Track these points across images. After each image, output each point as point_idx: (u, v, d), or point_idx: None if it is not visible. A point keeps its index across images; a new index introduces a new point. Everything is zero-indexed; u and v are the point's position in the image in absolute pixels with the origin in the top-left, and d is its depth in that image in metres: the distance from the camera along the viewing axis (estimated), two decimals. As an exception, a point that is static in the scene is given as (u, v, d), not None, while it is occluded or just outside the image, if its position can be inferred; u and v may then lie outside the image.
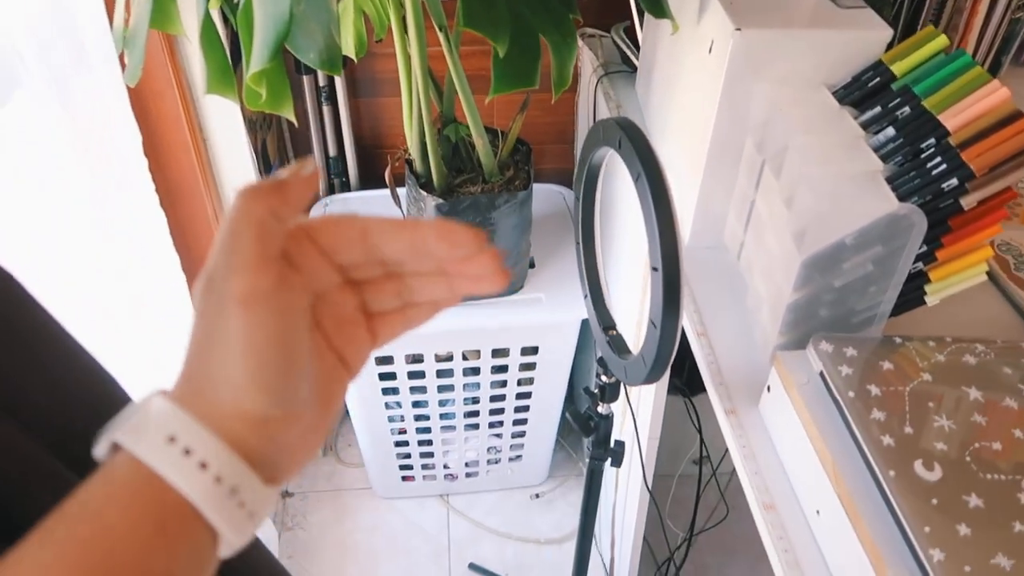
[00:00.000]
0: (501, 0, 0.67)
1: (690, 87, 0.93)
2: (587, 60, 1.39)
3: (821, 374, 0.66)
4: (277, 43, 0.66)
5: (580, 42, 1.41)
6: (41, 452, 0.38)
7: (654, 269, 0.66)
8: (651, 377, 0.72)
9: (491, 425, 1.54)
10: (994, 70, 1.28)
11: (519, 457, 1.64)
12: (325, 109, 1.44)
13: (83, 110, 0.87)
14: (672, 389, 1.38)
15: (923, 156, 0.66)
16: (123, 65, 0.87)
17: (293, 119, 0.82)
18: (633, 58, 1.27)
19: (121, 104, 0.90)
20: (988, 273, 0.89)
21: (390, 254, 0.35)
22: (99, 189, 0.93)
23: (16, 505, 0.35)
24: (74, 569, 0.26)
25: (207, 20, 0.74)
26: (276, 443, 0.31)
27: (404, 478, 1.66)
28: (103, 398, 0.46)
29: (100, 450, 0.30)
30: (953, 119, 0.66)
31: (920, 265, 0.69)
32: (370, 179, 1.57)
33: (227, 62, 0.80)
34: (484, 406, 1.48)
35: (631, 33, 1.31)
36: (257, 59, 0.67)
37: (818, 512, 0.63)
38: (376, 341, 0.37)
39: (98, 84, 0.86)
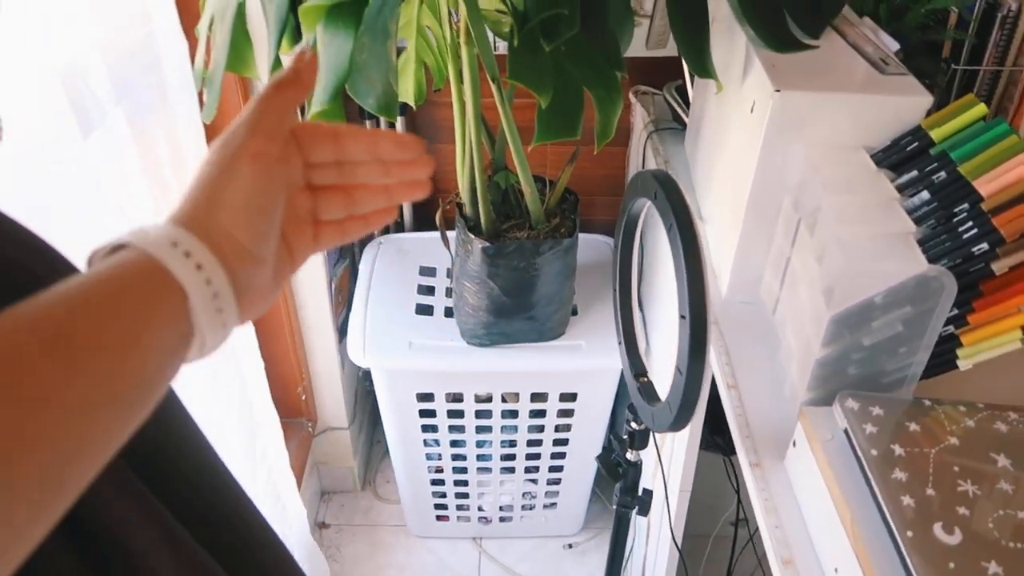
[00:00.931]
0: (547, 56, 0.71)
1: (733, 145, 0.95)
2: (639, 116, 1.42)
3: (845, 431, 0.66)
4: (336, 87, 0.71)
5: (633, 99, 1.45)
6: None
7: (682, 317, 0.67)
8: (676, 424, 0.73)
9: (527, 470, 1.55)
10: (1052, 141, 1.27)
11: (554, 505, 1.64)
12: (385, 153, 1.50)
13: (161, 144, 0.94)
14: (712, 446, 1.37)
15: (955, 220, 0.67)
16: (201, 103, 0.94)
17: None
18: (683, 115, 1.30)
19: (197, 139, 0.97)
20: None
21: (352, 155, 0.44)
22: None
23: None
24: (63, 312, 0.30)
25: (277, 63, 0.80)
26: (246, 277, 0.38)
27: (439, 517, 1.67)
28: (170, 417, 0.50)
29: (98, 255, 0.35)
30: (987, 185, 0.66)
31: (951, 328, 0.69)
32: (424, 221, 1.62)
33: (293, 104, 0.86)
34: (521, 450, 1.49)
35: (683, 92, 1.34)
36: (318, 101, 0.72)
37: (836, 570, 0.62)
38: (317, 245, 0.45)
39: (175, 120, 0.93)
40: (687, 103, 1.29)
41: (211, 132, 1.17)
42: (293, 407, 1.64)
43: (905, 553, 0.55)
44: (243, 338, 1.16)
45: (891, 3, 1.15)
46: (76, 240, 0.76)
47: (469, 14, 0.85)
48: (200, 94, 0.93)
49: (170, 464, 0.49)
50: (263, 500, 1.27)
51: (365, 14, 0.78)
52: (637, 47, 1.41)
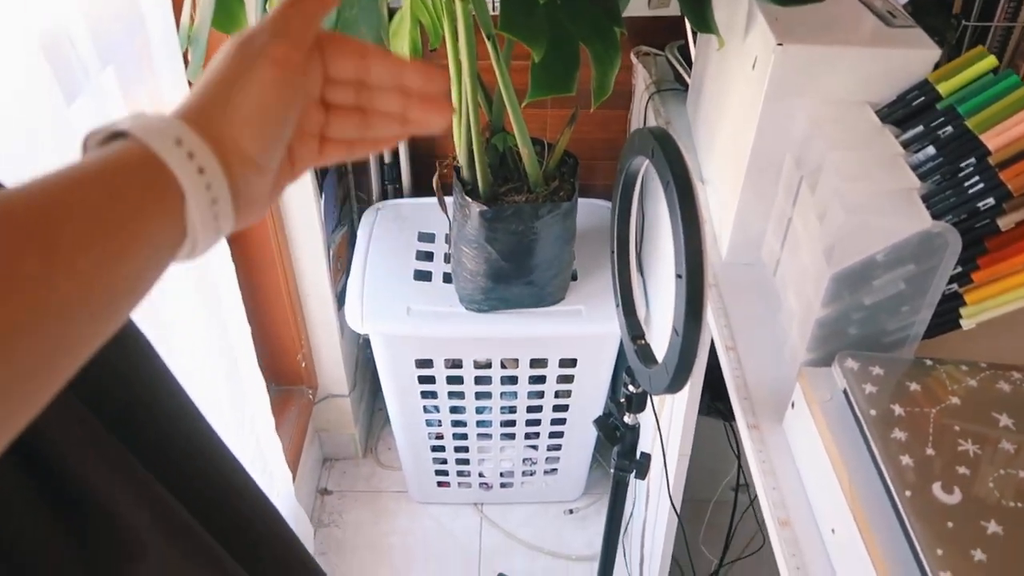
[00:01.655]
0: (541, 8, 0.69)
1: (734, 104, 0.93)
2: (640, 78, 1.40)
3: (844, 391, 0.65)
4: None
5: (634, 59, 1.42)
6: (72, 399, 0.41)
7: (678, 276, 0.66)
8: (673, 386, 0.72)
9: (527, 436, 1.55)
10: (1063, 100, 1.24)
11: (555, 471, 1.64)
12: (382, 117, 1.48)
13: (147, 107, 0.92)
14: (713, 412, 1.36)
15: (961, 175, 0.65)
16: (187, 63, 0.92)
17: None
18: (685, 76, 1.27)
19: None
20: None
21: (376, 77, 0.42)
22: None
23: (45, 448, 0.38)
24: (54, 199, 0.29)
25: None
26: (247, 185, 0.37)
27: (440, 484, 1.68)
28: (129, 350, 0.49)
29: (93, 138, 0.34)
30: (995, 139, 0.64)
31: (955, 287, 0.67)
32: (422, 186, 1.60)
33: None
34: (521, 416, 1.48)
35: (685, 52, 1.31)
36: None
37: (833, 531, 0.62)
38: (321, 159, 0.43)
39: (161, 82, 0.91)
40: (689, 64, 1.26)
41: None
42: (293, 375, 1.64)
43: (903, 513, 0.55)
44: (230, 304, 1.15)
45: (900, -44, 1.11)
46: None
47: (462, -33, 0.82)
48: (185, 54, 0.90)
49: (161, 436, 0.48)
50: (251, 466, 1.27)
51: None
52: (639, 6, 1.38)
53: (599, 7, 0.83)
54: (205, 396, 1.11)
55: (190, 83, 0.95)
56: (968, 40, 1.18)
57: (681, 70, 1.29)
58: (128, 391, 0.47)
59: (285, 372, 1.63)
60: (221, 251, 1.20)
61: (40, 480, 0.38)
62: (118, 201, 0.31)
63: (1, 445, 0.27)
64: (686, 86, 1.27)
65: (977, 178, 0.63)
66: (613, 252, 0.89)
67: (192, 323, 1.06)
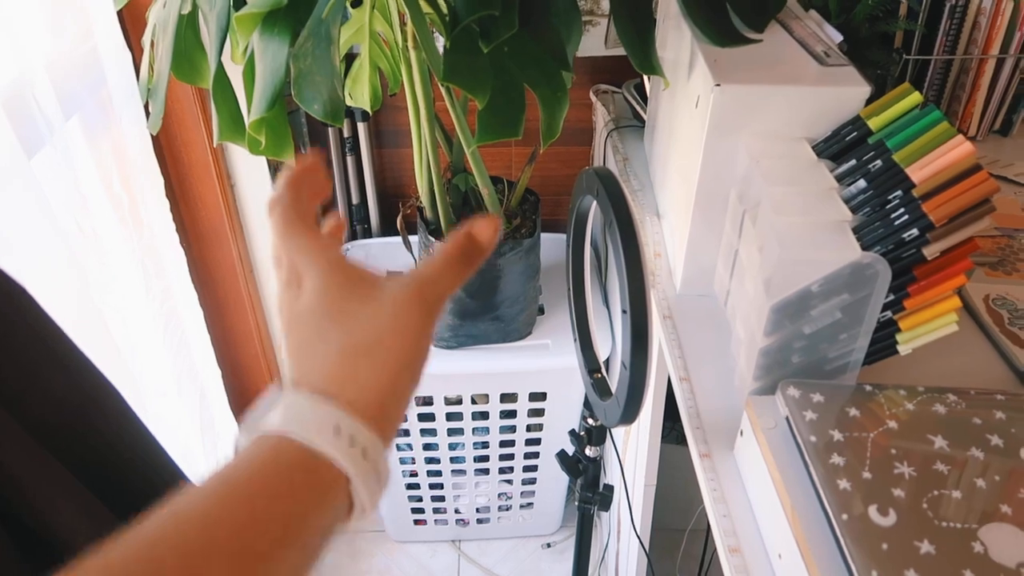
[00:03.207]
0: (485, 57, 0.72)
1: (682, 140, 0.96)
2: (600, 115, 1.43)
3: (787, 419, 0.67)
4: (275, 94, 0.72)
5: (593, 98, 1.46)
6: (39, 448, 0.42)
7: (624, 312, 0.68)
8: (625, 418, 0.74)
9: (501, 471, 1.55)
10: (1005, 129, 1.28)
11: (530, 504, 1.64)
12: (349, 159, 1.51)
13: (109, 158, 0.94)
14: (682, 439, 1.38)
15: (889, 207, 0.67)
16: (148, 113, 0.94)
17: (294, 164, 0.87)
18: (642, 113, 1.31)
19: (145, 152, 0.97)
20: (983, 327, 0.88)
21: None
22: (127, 230, 0.99)
23: (16, 500, 0.39)
24: (228, 516, 0.29)
25: (219, 71, 0.80)
26: (391, 423, 0.37)
27: (416, 521, 1.67)
28: (100, 400, 0.50)
29: (242, 439, 0.34)
30: (919, 172, 0.67)
31: (889, 314, 0.69)
32: (391, 226, 1.62)
33: (239, 111, 0.86)
34: (494, 451, 1.49)
35: (641, 89, 1.35)
36: (256, 108, 0.72)
37: (780, 556, 0.63)
38: None
39: (123, 133, 0.93)
40: (645, 100, 1.30)
41: (167, 144, 1.17)
42: (267, 416, 1.63)
43: (840, 536, 0.56)
44: (200, 349, 1.16)
45: (840, -5, 1.16)
46: (32, 264, 0.76)
47: (412, 18, 0.85)
48: (146, 105, 0.93)
49: (130, 482, 0.49)
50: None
51: (309, 20, 0.78)
52: (597, 46, 1.43)
53: (546, 51, 0.86)
54: (178, 441, 1.11)
55: (153, 137, 0.97)
56: (910, 72, 1.23)
57: (638, 107, 1.33)
58: (112, 454, 0.48)
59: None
60: (190, 298, 1.21)
61: (25, 552, 0.39)
62: (290, 503, 0.31)
63: None
64: (643, 122, 1.31)
65: (903, 210, 0.66)
66: (569, 288, 0.91)
67: (162, 369, 1.07)
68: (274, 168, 1.34)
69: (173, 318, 1.13)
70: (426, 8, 0.89)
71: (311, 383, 0.35)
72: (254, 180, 1.32)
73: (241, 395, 1.57)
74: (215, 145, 1.04)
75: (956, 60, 1.22)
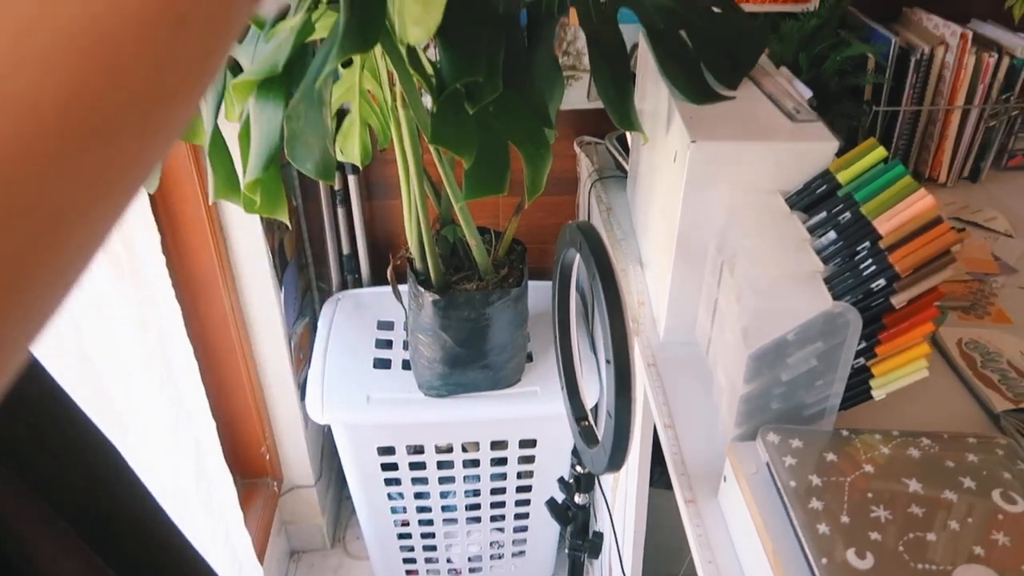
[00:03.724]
0: (469, 117, 0.75)
1: (663, 192, 0.99)
2: (584, 166, 1.47)
3: (767, 464, 0.69)
4: (270, 157, 0.75)
5: (577, 149, 1.50)
6: (46, 508, 0.43)
7: (608, 362, 0.70)
8: (611, 466, 0.75)
9: (493, 519, 1.55)
10: (974, 176, 1.33)
11: (523, 552, 1.64)
12: (340, 211, 1.54)
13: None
14: (671, 484, 1.38)
15: (858, 258, 0.70)
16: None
17: (287, 222, 0.90)
18: (624, 163, 1.35)
19: (143, 209, 1.00)
20: (956, 370, 0.91)
21: None
22: (124, 285, 1.01)
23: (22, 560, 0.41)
24: None
25: (216, 134, 0.84)
26: None
27: (408, 572, 1.66)
28: (106, 466, 0.51)
29: None
30: (885, 224, 0.70)
31: (862, 360, 0.72)
32: (381, 276, 1.65)
33: (234, 171, 0.89)
34: (485, 499, 1.49)
35: (623, 141, 1.40)
36: (252, 170, 0.75)
37: (763, 601, 0.64)
38: None
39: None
40: (628, 151, 1.34)
41: (162, 201, 1.20)
42: (258, 467, 1.64)
43: (820, 580, 0.58)
44: (194, 400, 1.17)
45: (810, 52, 1.21)
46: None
47: (400, 79, 0.89)
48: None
49: (137, 547, 0.50)
50: (220, 563, 1.26)
51: (302, 82, 0.81)
52: (580, 100, 1.47)
53: (530, 109, 0.90)
54: (174, 495, 1.11)
55: (151, 196, 1.00)
56: (880, 123, 1.28)
57: (620, 158, 1.37)
58: (106, 504, 0.49)
59: (249, 465, 1.63)
60: (184, 350, 1.23)
61: None
62: None
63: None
64: (626, 173, 1.34)
65: (870, 260, 0.69)
66: (556, 338, 0.93)
67: (157, 420, 1.08)
68: (267, 223, 1.36)
69: (169, 371, 1.15)
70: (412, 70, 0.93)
71: None
72: (247, 234, 1.35)
73: (235, 445, 1.57)
74: (211, 204, 1.07)
75: (924, 111, 1.27)
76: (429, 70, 0.94)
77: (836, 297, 0.69)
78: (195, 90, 0.22)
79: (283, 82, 0.76)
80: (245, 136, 0.80)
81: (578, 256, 0.87)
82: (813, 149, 0.84)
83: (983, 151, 1.31)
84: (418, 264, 1.23)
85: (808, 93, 1.00)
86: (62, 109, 0.18)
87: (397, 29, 0.72)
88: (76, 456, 0.49)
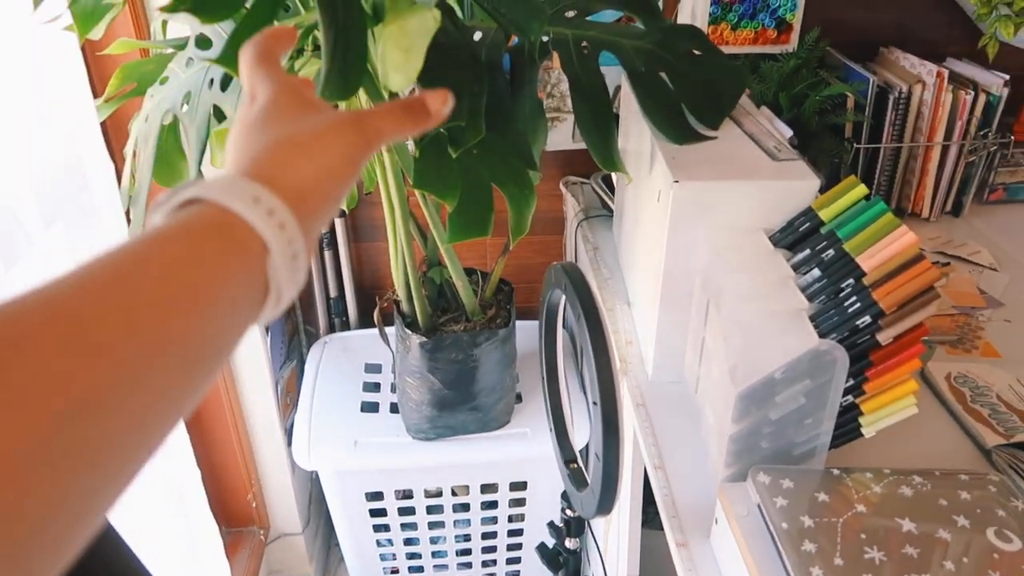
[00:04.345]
0: (453, 161, 0.75)
1: (648, 231, 1.00)
2: (570, 205, 1.48)
3: (759, 506, 0.68)
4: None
5: (563, 189, 1.51)
6: None
7: (594, 403, 0.70)
8: (601, 509, 0.74)
9: (484, 564, 1.52)
10: (956, 210, 1.34)
11: (515, 598, 1.60)
12: (327, 254, 1.53)
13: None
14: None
15: (842, 295, 0.70)
16: (128, 221, 0.96)
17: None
18: (610, 203, 1.36)
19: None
20: (946, 405, 0.91)
21: None
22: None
23: None
24: (141, 279, 0.28)
25: (200, 177, 0.83)
26: (315, 236, 0.38)
27: (399, 621, 1.62)
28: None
29: (156, 216, 0.33)
30: (868, 261, 0.70)
31: (851, 398, 0.71)
32: (369, 319, 1.64)
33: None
34: (476, 543, 1.47)
35: (608, 180, 1.41)
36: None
37: (758, 648, 0.63)
38: None
39: (108, 240, 0.95)
40: (613, 191, 1.35)
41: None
42: (244, 515, 1.60)
43: (815, 626, 0.56)
44: (179, 448, 1.15)
45: (790, 92, 1.23)
46: None
47: (384, 124, 0.89)
48: (127, 212, 0.95)
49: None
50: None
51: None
52: (565, 141, 1.49)
53: (513, 151, 0.90)
54: (158, 546, 1.09)
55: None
56: (862, 160, 1.29)
57: (605, 198, 1.38)
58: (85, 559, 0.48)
59: (235, 513, 1.60)
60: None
61: None
62: (198, 264, 0.30)
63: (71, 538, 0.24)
64: (611, 212, 1.35)
65: (855, 298, 0.69)
66: (543, 379, 0.92)
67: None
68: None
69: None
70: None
71: (237, 166, 0.36)
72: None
73: (220, 493, 1.54)
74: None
75: (904, 148, 1.29)
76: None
77: (822, 335, 0.69)
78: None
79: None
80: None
81: (563, 298, 0.87)
82: (795, 187, 0.84)
83: (964, 186, 1.32)
84: (405, 306, 1.23)
85: (789, 132, 1.01)
86: None
87: (380, 74, 0.72)
88: None
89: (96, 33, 0.72)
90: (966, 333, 1.04)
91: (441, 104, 0.44)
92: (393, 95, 0.83)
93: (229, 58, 0.54)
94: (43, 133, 0.90)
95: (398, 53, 0.66)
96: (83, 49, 1.00)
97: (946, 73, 1.22)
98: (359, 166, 0.39)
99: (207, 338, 0.29)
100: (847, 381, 0.69)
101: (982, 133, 1.28)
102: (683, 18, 1.34)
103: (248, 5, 0.60)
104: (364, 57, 0.62)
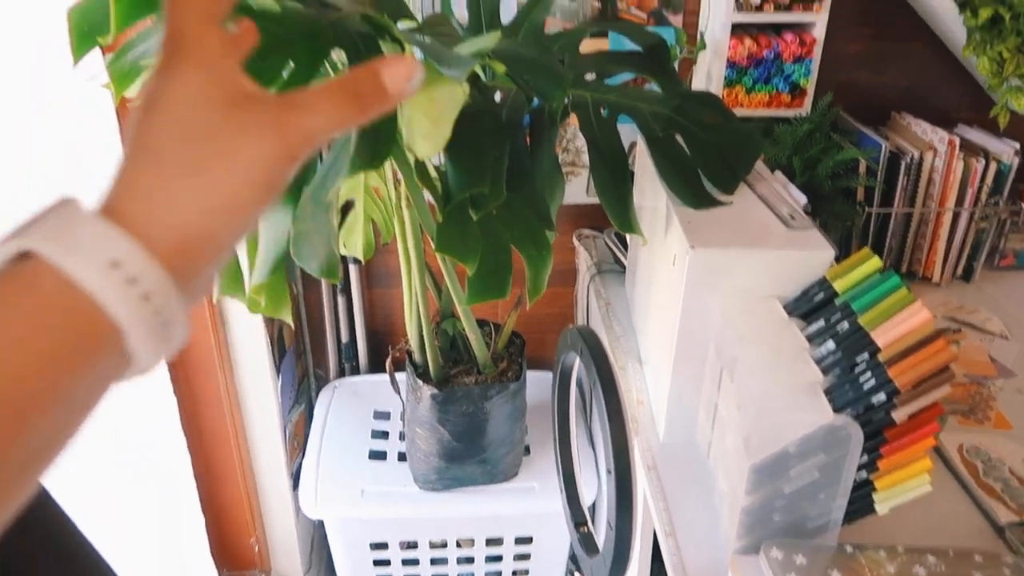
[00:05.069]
0: (474, 223, 0.77)
1: (662, 292, 1.00)
2: (583, 259, 1.49)
3: (772, 581, 0.68)
4: (277, 262, 0.76)
5: (576, 242, 1.52)
6: None
7: (608, 472, 0.70)
8: (612, 578, 0.74)
9: (487, 617, 1.50)
10: (967, 276, 1.35)
11: (517, 654, 1.58)
12: (340, 299, 1.55)
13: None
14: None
15: (857, 370, 0.71)
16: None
17: (291, 323, 0.90)
18: (622, 258, 1.37)
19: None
20: (958, 478, 0.90)
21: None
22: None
23: None
24: None
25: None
26: (203, 282, 0.31)
27: (398, 673, 1.60)
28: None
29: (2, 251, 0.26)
30: (883, 336, 0.71)
31: (865, 474, 0.71)
32: (379, 364, 1.64)
33: (239, 267, 0.90)
34: (479, 597, 1.45)
35: (621, 235, 1.42)
36: (259, 274, 0.76)
37: None
38: None
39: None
40: (626, 246, 1.36)
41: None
42: (246, 559, 1.59)
43: None
44: (183, 491, 1.15)
45: (803, 155, 1.25)
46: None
47: (406, 183, 0.91)
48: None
49: None
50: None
51: (309, 185, 0.83)
52: (579, 193, 1.51)
53: (532, 212, 0.92)
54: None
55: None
56: (874, 224, 1.30)
57: (618, 253, 1.39)
58: None
59: (237, 556, 1.59)
60: (176, 440, 1.21)
61: None
62: (28, 359, 0.25)
63: None
64: (624, 267, 1.36)
65: (870, 374, 0.69)
66: (555, 442, 0.93)
67: (141, 510, 1.06)
68: (270, 320, 1.37)
69: (158, 460, 1.13)
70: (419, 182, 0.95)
71: (109, 194, 0.28)
72: (246, 323, 1.35)
73: (223, 535, 1.54)
74: (215, 302, 1.08)
75: (916, 213, 1.30)
76: (433, 173, 0.96)
77: (836, 409, 0.70)
78: None
79: (291, 190, 0.78)
80: (252, 239, 0.81)
81: (577, 360, 0.87)
82: (809, 258, 0.85)
83: (975, 251, 1.33)
84: (417, 356, 1.23)
85: (803, 199, 1.03)
86: None
87: (405, 138, 0.74)
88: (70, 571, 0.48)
89: (131, 91, 0.74)
90: (978, 403, 1.04)
91: (405, 76, 0.32)
92: (419, 163, 0.85)
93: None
94: (70, 178, 0.91)
95: (426, 122, 0.67)
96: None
97: (957, 141, 1.24)
98: (278, 186, 0.30)
99: (46, 430, 0.25)
100: (861, 457, 0.70)
101: (993, 200, 1.29)
102: (699, 81, 1.37)
103: (285, 76, 0.62)
104: (394, 128, 0.64)
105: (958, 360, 1.13)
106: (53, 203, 0.27)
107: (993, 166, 1.26)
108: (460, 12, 1.11)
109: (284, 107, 0.30)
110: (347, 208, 1.23)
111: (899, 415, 0.67)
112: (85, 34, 0.68)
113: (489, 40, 0.69)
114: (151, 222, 0.27)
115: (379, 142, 0.61)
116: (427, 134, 0.67)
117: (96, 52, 0.72)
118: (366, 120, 0.32)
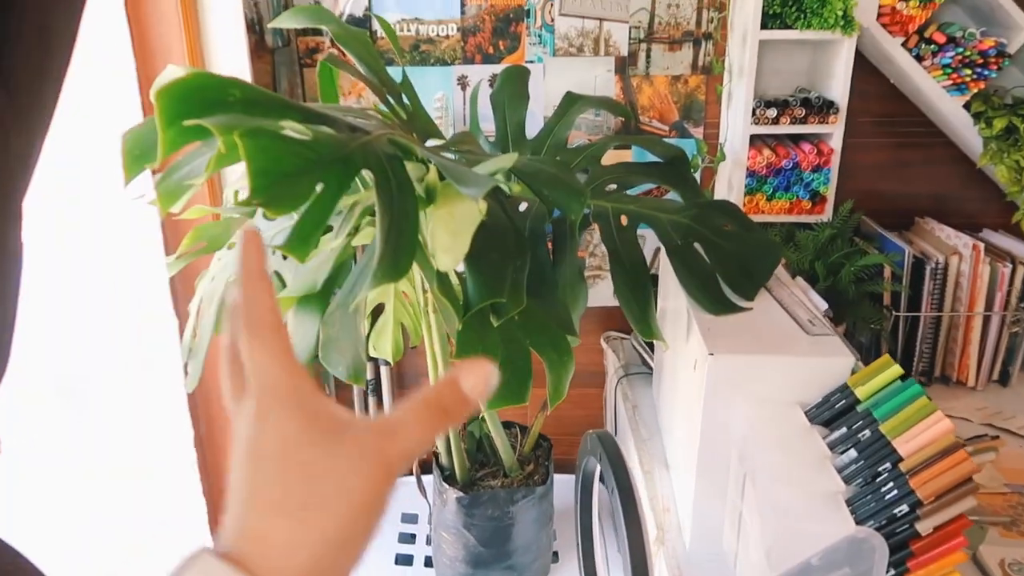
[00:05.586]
0: (494, 330, 0.79)
1: (685, 396, 1.01)
2: (611, 361, 1.50)
3: None
4: (306, 364, 0.79)
5: (604, 344, 1.54)
6: None
7: (627, 582, 0.69)
8: None
9: None
10: (1004, 380, 1.32)
11: None
12: (371, 400, 1.57)
13: (147, 410, 1.00)
14: None
15: (879, 480, 0.70)
16: (186, 373, 1.02)
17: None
18: (649, 360, 1.38)
19: (182, 412, 1.04)
20: (1001, 594, 0.86)
21: None
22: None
23: None
24: None
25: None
26: None
27: None
28: None
29: None
30: (905, 445, 0.70)
31: (893, 589, 0.69)
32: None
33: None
34: None
35: (648, 339, 1.43)
36: (286, 378, 0.79)
37: None
38: None
39: (161, 389, 1.00)
40: (652, 348, 1.37)
41: (192, 399, 1.25)
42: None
43: None
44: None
45: (826, 261, 1.26)
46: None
47: (431, 290, 0.94)
48: (185, 365, 1.01)
49: None
50: None
51: (338, 292, 0.87)
52: (606, 296, 1.53)
53: (553, 319, 0.94)
54: None
55: (189, 395, 1.04)
56: (903, 327, 1.30)
57: (645, 355, 1.40)
58: None
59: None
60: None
61: None
62: None
63: None
64: (651, 369, 1.37)
65: (892, 484, 0.68)
66: (579, 549, 0.91)
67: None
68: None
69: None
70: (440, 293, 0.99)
71: (236, 533, 0.31)
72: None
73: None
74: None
75: (944, 317, 1.29)
76: (455, 281, 1.00)
77: (859, 521, 0.68)
78: None
79: (321, 297, 0.82)
80: (283, 344, 0.85)
81: (598, 465, 0.87)
82: (830, 365, 0.86)
83: (1010, 355, 1.31)
84: (443, 459, 1.24)
85: (823, 305, 1.03)
86: None
87: (429, 249, 0.78)
88: None
89: (176, 207, 0.79)
90: (1020, 514, 1.00)
91: (481, 381, 0.35)
92: (441, 273, 0.88)
93: (295, 246, 0.60)
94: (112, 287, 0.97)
95: (446, 236, 0.71)
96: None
97: (982, 246, 1.24)
98: (384, 509, 0.33)
99: None
100: (888, 571, 0.68)
101: (1023, 304, 1.28)
102: (720, 189, 1.41)
103: (318, 190, 0.66)
104: (415, 242, 0.67)
105: (998, 469, 1.10)
106: (191, 554, 0.31)
107: (1021, 270, 1.26)
108: (489, 127, 1.17)
109: (382, 436, 0.33)
110: (378, 311, 1.27)
111: (923, 527, 0.66)
112: (136, 157, 0.74)
113: (507, 160, 0.74)
114: (271, 567, 0.30)
115: (399, 257, 0.64)
116: (447, 248, 0.71)
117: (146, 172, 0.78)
118: (455, 425, 0.34)
